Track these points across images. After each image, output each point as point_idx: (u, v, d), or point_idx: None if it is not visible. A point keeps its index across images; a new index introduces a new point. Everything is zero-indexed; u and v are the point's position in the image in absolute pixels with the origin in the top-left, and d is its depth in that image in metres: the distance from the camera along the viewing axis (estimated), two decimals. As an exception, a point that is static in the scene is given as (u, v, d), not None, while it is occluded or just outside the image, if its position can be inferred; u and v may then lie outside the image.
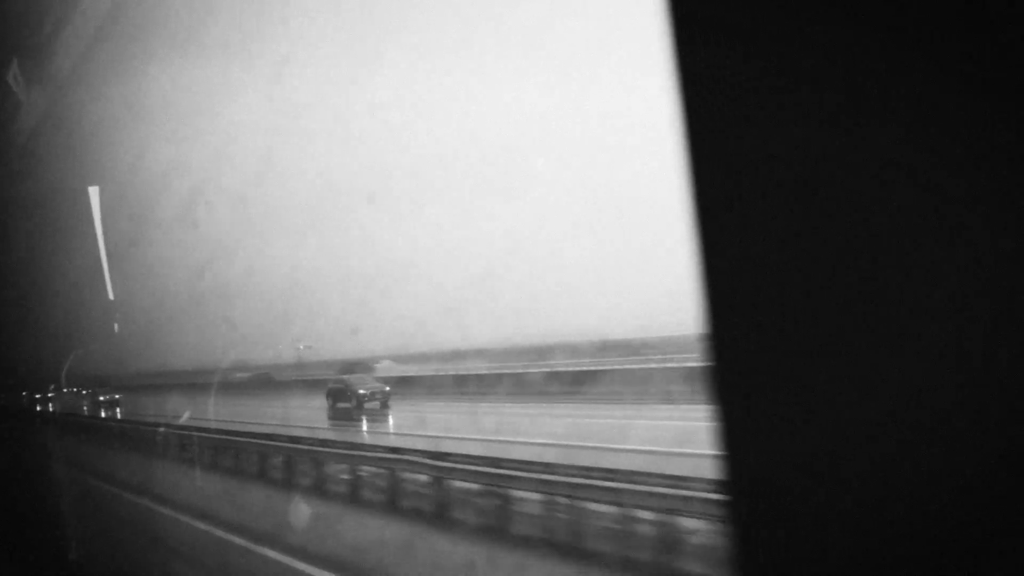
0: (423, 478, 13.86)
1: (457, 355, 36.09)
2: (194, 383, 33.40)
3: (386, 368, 36.34)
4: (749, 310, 1.23)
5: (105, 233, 17.16)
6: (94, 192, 16.81)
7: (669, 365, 26.56)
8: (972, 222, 1.08)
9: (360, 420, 26.52)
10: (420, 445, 15.44)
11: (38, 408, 35.46)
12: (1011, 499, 1.08)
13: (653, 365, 27.32)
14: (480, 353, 35.46)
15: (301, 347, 38.40)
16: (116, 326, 24.80)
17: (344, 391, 29.03)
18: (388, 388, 28.94)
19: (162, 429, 24.04)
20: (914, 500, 1.15)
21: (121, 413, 38.07)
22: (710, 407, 1.26)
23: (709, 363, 1.26)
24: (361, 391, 28.44)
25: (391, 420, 26.72)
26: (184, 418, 25.49)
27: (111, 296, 19.43)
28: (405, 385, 31.57)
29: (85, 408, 40.59)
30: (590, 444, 15.25)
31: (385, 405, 28.22)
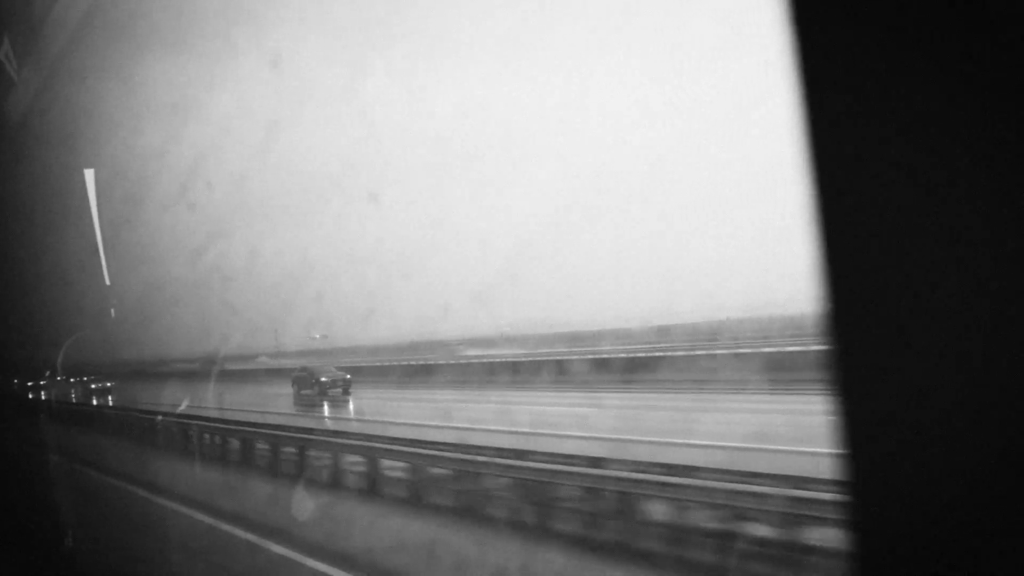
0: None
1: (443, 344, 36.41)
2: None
3: (263, 363, 36.92)
4: (871, 306, 1.20)
5: (100, 216, 16.95)
6: (89, 174, 16.58)
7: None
8: None
9: (323, 405, 26.83)
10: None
11: (30, 396, 34.62)
12: (1011, 499, 1.08)
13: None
14: (475, 342, 35.64)
15: (318, 336, 38.12)
16: (113, 311, 24.53)
17: (308, 379, 29.39)
18: (349, 376, 29.36)
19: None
20: (913, 499, 1.15)
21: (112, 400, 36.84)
22: (831, 401, 1.24)
23: (830, 359, 1.24)
24: (323, 379, 28.92)
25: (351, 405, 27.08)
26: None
27: (107, 281, 19.11)
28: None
29: (75, 396, 39.25)
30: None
31: (347, 392, 28.68)
